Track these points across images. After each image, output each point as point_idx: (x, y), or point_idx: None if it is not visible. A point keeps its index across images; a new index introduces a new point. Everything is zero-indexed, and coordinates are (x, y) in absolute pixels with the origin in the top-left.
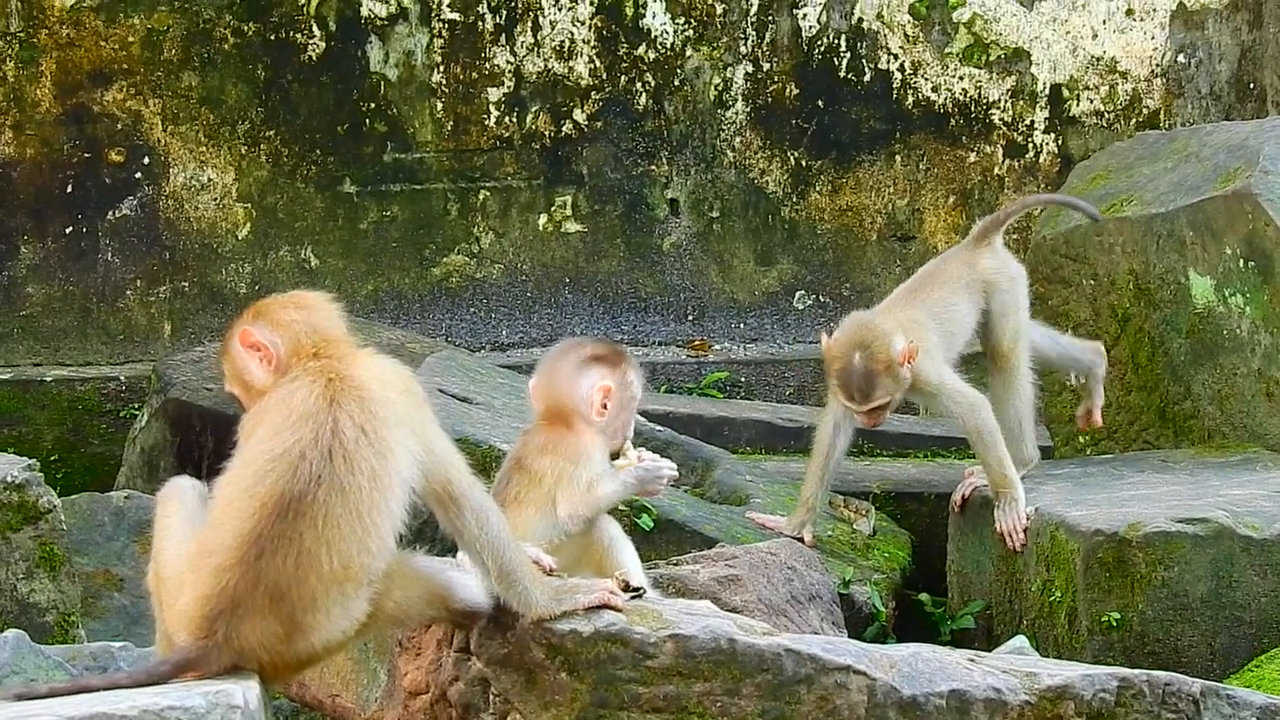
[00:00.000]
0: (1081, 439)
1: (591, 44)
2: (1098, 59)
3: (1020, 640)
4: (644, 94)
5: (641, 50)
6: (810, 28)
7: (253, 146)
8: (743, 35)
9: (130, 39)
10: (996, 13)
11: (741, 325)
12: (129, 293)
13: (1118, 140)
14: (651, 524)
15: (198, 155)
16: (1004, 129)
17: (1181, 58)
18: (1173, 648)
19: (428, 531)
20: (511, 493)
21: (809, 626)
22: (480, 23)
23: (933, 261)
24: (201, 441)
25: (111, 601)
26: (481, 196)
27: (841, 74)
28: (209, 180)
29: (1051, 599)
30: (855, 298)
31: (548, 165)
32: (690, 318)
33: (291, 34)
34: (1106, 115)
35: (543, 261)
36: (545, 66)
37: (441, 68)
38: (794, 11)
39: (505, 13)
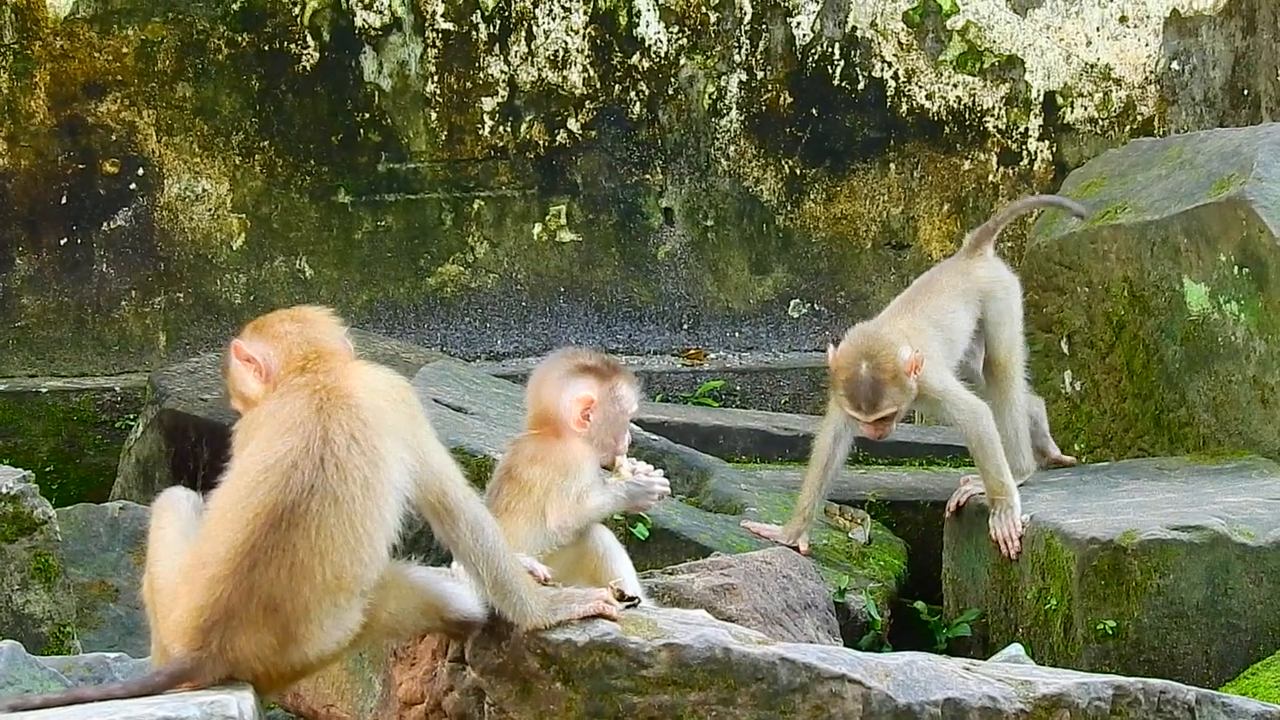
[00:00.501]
0: (1077, 447)
1: (585, 53)
2: (1092, 66)
3: (1016, 648)
4: (638, 103)
5: (635, 59)
6: (804, 36)
7: (247, 157)
8: (736, 44)
9: (124, 50)
10: (990, 20)
11: (736, 334)
12: (124, 303)
13: (1112, 147)
14: (647, 533)
15: (192, 166)
16: (998, 136)
17: (1175, 64)
18: (1168, 655)
19: (422, 541)
20: (502, 503)
21: (804, 635)
22: (474, 32)
23: (929, 272)
24: (197, 452)
25: (107, 612)
26: (476, 206)
27: (835, 82)
28: (203, 191)
29: (1047, 607)
30: (850, 306)
31: (542, 174)
32: (685, 326)
33: (285, 44)
34: (1101, 122)
35: (537, 271)
36: (539, 76)
37: (435, 77)
38: (787, 20)
39: (499, 22)
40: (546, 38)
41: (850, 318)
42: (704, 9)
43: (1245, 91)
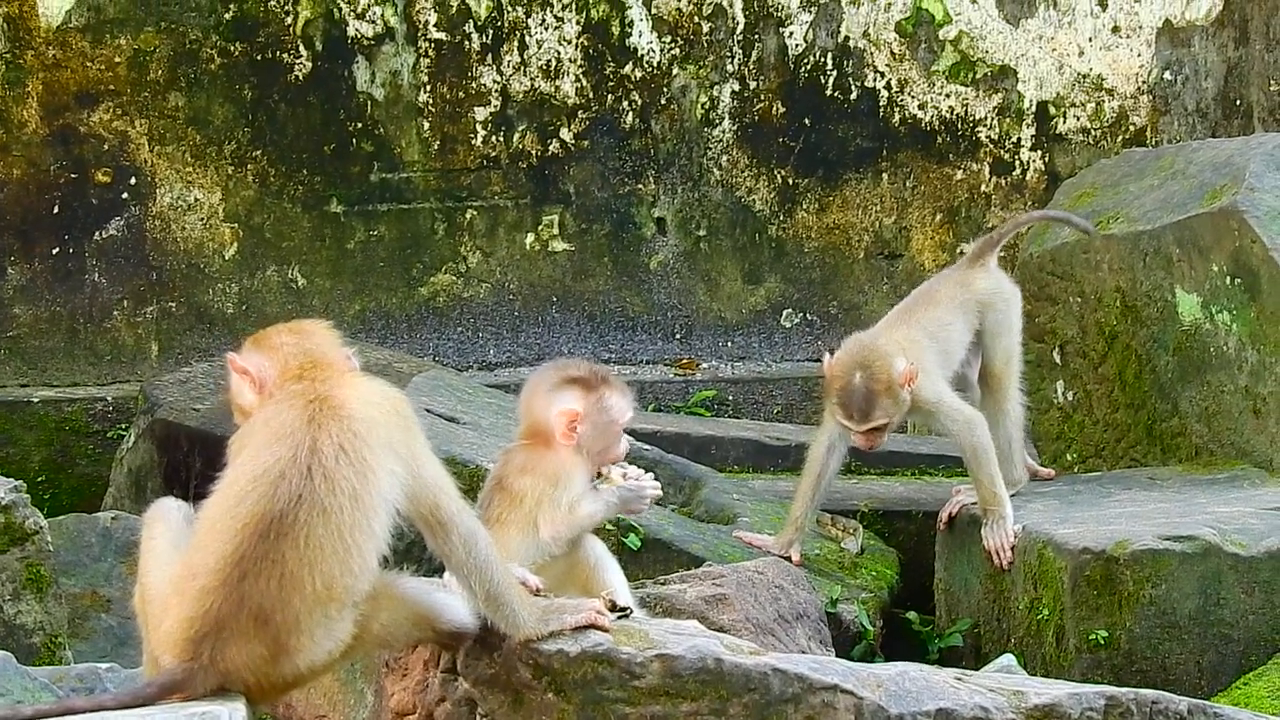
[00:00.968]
0: (1069, 457)
1: (578, 63)
2: (1084, 76)
3: (1008, 659)
4: (631, 113)
5: (628, 69)
6: (796, 46)
7: (239, 166)
8: (729, 54)
9: (117, 60)
10: (983, 30)
11: (729, 344)
12: (116, 313)
13: (1104, 157)
14: (639, 543)
15: (184, 175)
16: (991, 146)
17: (1168, 75)
18: (1160, 666)
19: (414, 552)
20: (494, 513)
21: (796, 645)
22: (467, 42)
23: (928, 282)
24: (189, 462)
25: (98, 623)
26: (468, 216)
27: (828, 92)
28: (196, 200)
29: (1039, 617)
30: (843, 316)
31: (535, 184)
32: (678, 336)
33: (278, 54)
34: (1093, 132)
35: (530, 281)
36: (532, 86)
37: (428, 87)
38: (780, 30)
39: (492, 32)
40: (539, 47)
41: (843, 328)
42: (697, 19)
43: (1238, 102)
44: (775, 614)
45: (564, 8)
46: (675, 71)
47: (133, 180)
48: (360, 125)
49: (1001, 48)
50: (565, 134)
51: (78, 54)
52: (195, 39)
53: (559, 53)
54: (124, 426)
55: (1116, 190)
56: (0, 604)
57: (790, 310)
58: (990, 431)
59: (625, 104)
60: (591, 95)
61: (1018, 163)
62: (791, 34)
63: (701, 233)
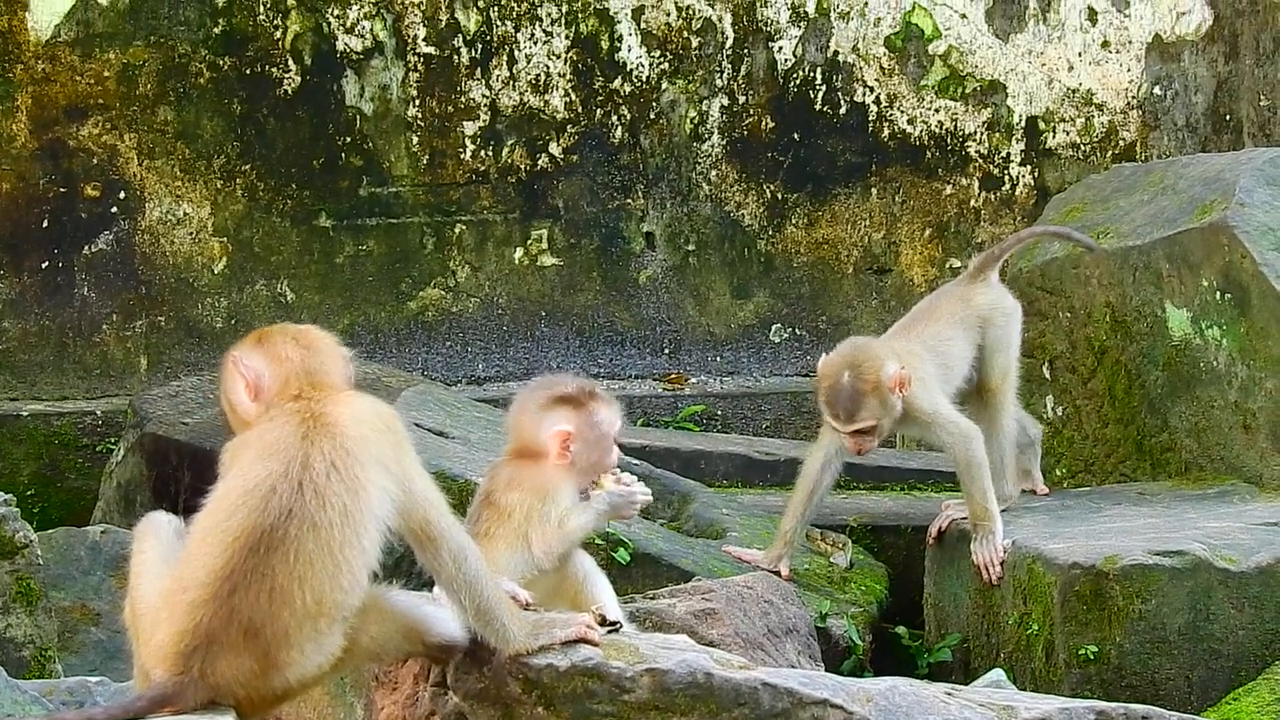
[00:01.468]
0: (1058, 472)
1: (567, 77)
2: (1074, 91)
3: (997, 673)
4: (620, 127)
5: (617, 83)
6: (786, 61)
7: (228, 181)
8: (718, 68)
9: (106, 74)
10: (972, 45)
11: (718, 358)
12: (105, 327)
13: (1094, 172)
14: (628, 558)
15: (173, 190)
16: (980, 161)
17: (1158, 90)
18: (1150, 680)
19: (404, 566)
20: (482, 528)
21: (786, 660)
22: (456, 56)
23: (929, 297)
24: (178, 476)
25: (88, 636)
26: (457, 230)
27: (817, 107)
28: (185, 214)
29: (1029, 632)
30: (832, 331)
31: (524, 199)
32: (667, 351)
33: (267, 68)
34: (1083, 147)
35: (519, 295)
36: (521, 100)
37: (417, 101)
38: (770, 45)
39: (481, 46)
40: (528, 62)
41: (832, 343)
42: (686, 33)
43: (1228, 117)
44: (765, 629)
45: (553, 22)
46: (664, 86)
47: (122, 194)
48: (349, 139)
49: (991, 62)
50: (554, 148)
51: (67, 68)
52: (184, 53)
53: (548, 67)
54: (113, 440)
55: (1106, 205)
56: None
57: (779, 325)
58: (985, 446)
59: (614, 118)
60: (580, 110)
61: (1007, 178)
62: (781, 49)
63: (690, 247)
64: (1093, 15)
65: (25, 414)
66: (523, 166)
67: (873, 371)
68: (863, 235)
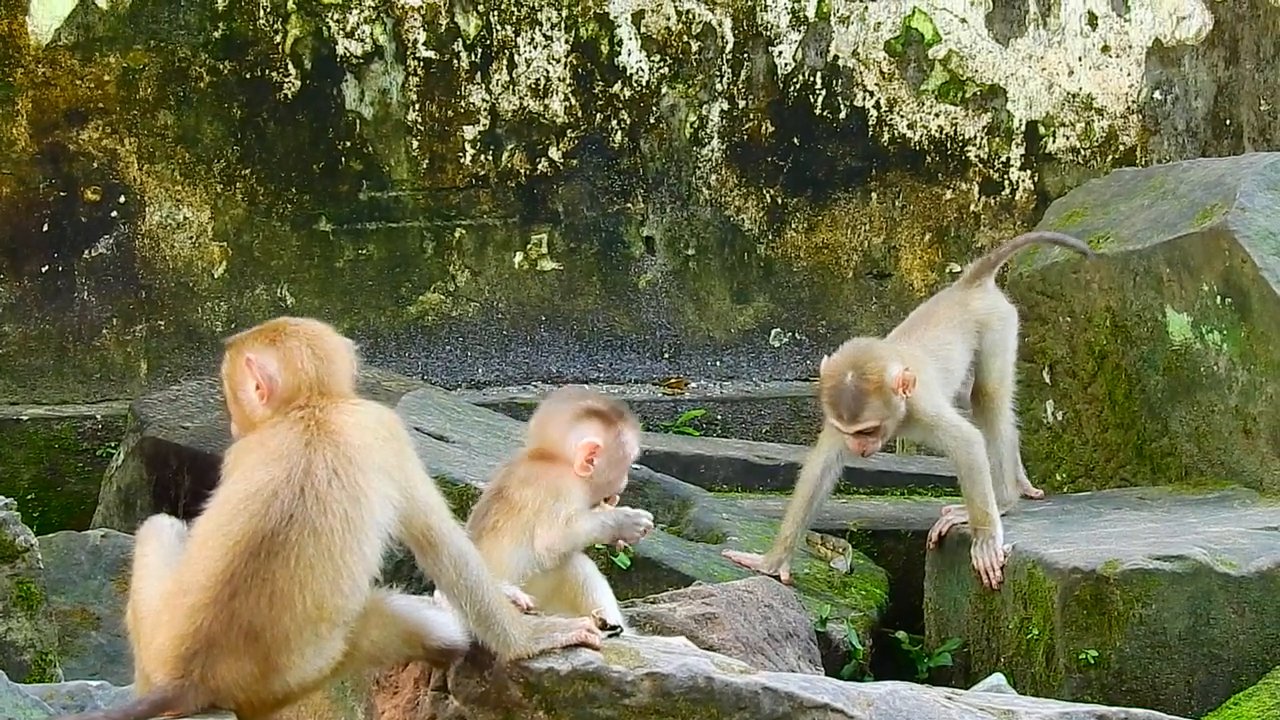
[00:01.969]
0: (1058, 476)
1: (567, 82)
2: (1074, 95)
3: (998, 678)
4: (619, 132)
5: (617, 88)
6: (786, 65)
7: (228, 185)
8: (718, 73)
9: (106, 78)
10: (972, 50)
11: (718, 363)
12: (105, 331)
13: (1094, 177)
14: (628, 562)
15: (173, 194)
16: (980, 166)
17: (1158, 94)
18: (1151, 685)
19: (404, 570)
20: (490, 522)
21: (786, 664)
22: (455, 61)
23: (926, 302)
24: (178, 480)
25: (88, 640)
26: (457, 234)
27: (817, 111)
28: (185, 219)
29: (1029, 636)
30: (831, 335)
31: (523, 203)
32: (666, 355)
33: (267, 72)
34: (1083, 152)
35: (519, 299)
36: (521, 104)
37: (417, 106)
38: (769, 49)
39: (480, 51)
40: (528, 66)
41: (831, 347)
42: (686, 38)
43: (1228, 121)
44: (765, 633)
45: (553, 26)
46: (664, 90)
47: (122, 198)
48: (349, 144)
49: (991, 67)
50: (554, 153)
51: (67, 72)
52: (184, 57)
53: (548, 71)
54: (113, 444)
55: (1106, 210)
56: None
57: (779, 330)
58: None
59: (614, 123)
60: (580, 114)
61: (1007, 182)
62: (781, 53)
63: (690, 252)
64: (1093, 20)
65: (25, 418)
66: (522, 171)
67: (876, 372)
68: (862, 240)
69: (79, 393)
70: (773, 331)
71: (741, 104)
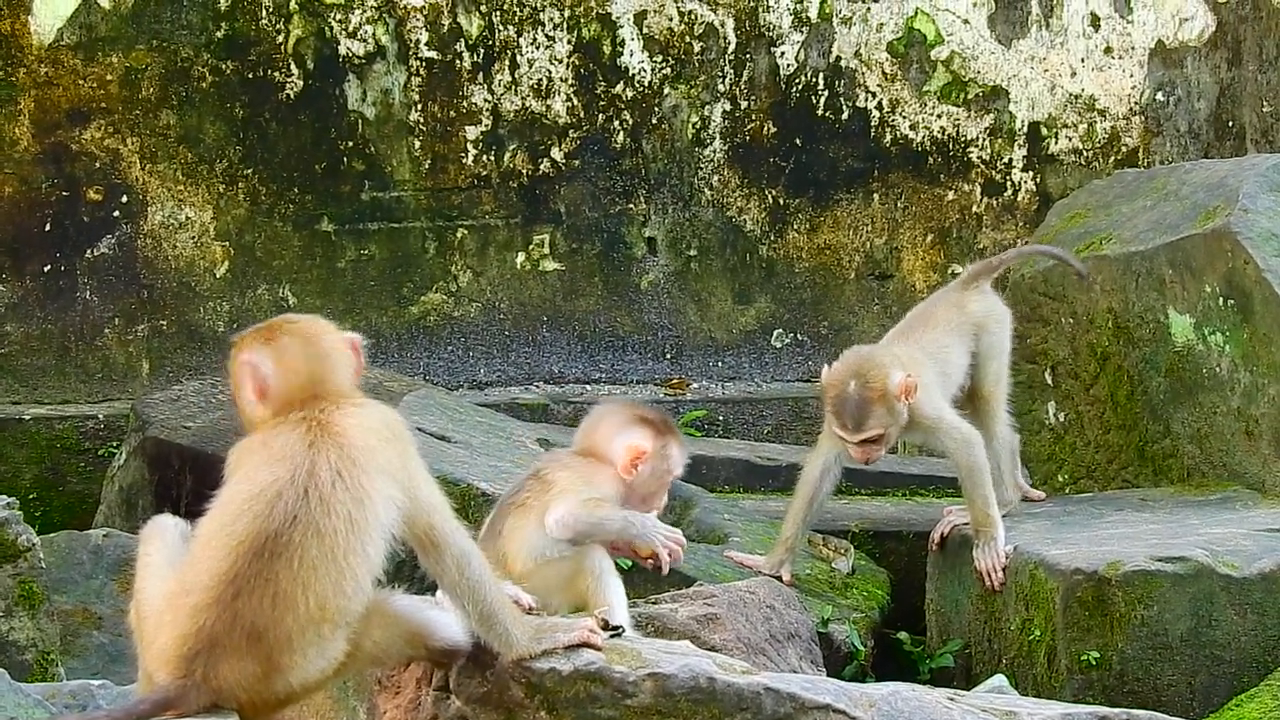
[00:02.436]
0: (1060, 478)
1: (569, 82)
2: (1076, 97)
3: (999, 679)
4: (622, 132)
5: (619, 89)
6: (788, 66)
7: (231, 185)
8: (720, 73)
9: (108, 78)
10: (975, 51)
11: (719, 364)
12: (107, 331)
13: (1096, 178)
14: (629, 562)
15: (176, 194)
16: (982, 167)
17: (1160, 96)
18: (1152, 687)
19: (406, 570)
20: (521, 498)
21: (787, 665)
22: (458, 61)
23: (922, 304)
24: (180, 480)
25: (90, 640)
26: (459, 235)
27: (819, 112)
28: (187, 219)
29: (1031, 638)
30: (833, 336)
31: (525, 203)
32: (668, 356)
33: (269, 72)
34: (1085, 153)
35: (520, 300)
36: (523, 105)
37: (419, 106)
38: (772, 50)
39: (483, 51)
40: (530, 67)
41: (833, 348)
42: (688, 39)
43: (1230, 123)
44: (767, 634)
45: (555, 27)
46: (666, 91)
47: (124, 198)
48: (351, 144)
49: (993, 68)
50: (556, 153)
51: (69, 72)
52: (187, 57)
53: (550, 72)
54: (115, 444)
55: (1109, 211)
56: None
57: (781, 330)
58: None
59: (616, 123)
60: (582, 114)
61: (1009, 184)
62: (783, 54)
63: (692, 252)
64: (1095, 21)
65: (27, 418)
66: (525, 171)
67: (879, 380)
68: (864, 241)
69: (81, 392)
70: (774, 332)
71: (744, 105)
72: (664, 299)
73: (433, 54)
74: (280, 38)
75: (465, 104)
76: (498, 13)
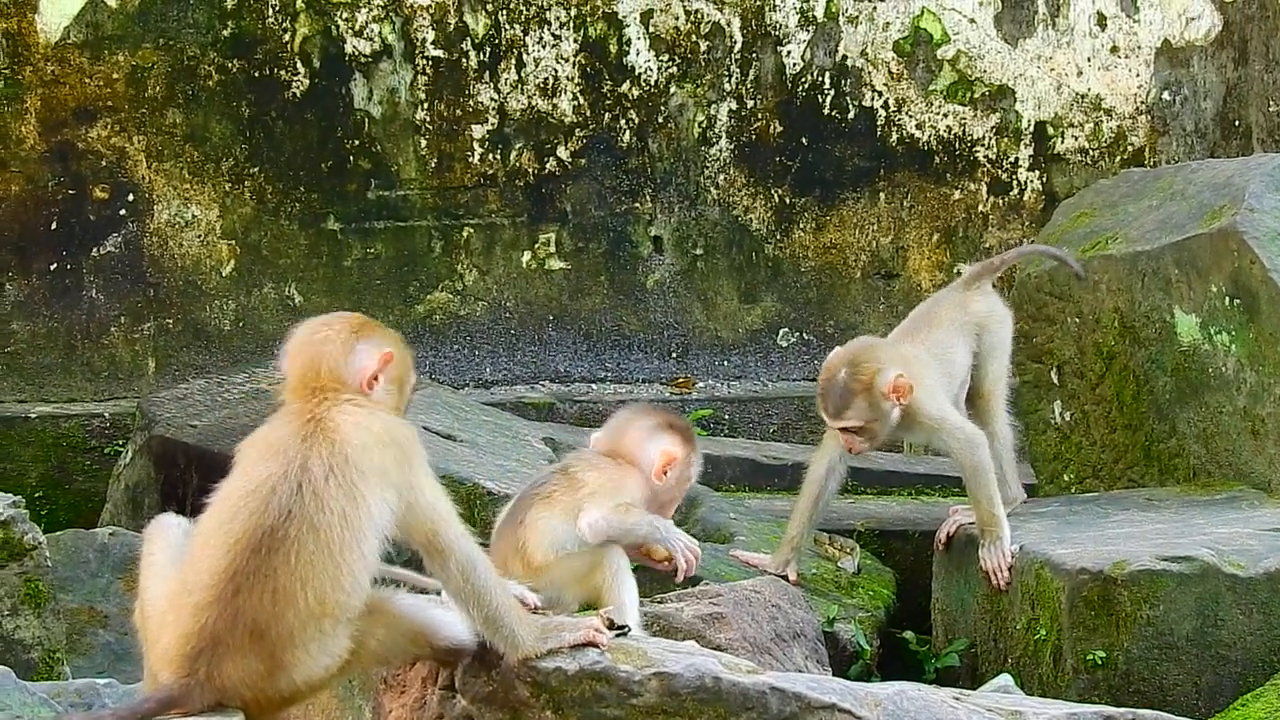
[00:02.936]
0: (1066, 477)
1: (575, 81)
2: (1082, 96)
3: (1005, 679)
4: (628, 131)
5: (625, 87)
6: (794, 65)
7: (237, 183)
8: (726, 73)
9: (115, 76)
10: (981, 50)
11: (725, 363)
12: (113, 329)
13: (1102, 178)
14: (635, 564)
15: (182, 192)
16: (988, 166)
17: (1166, 95)
18: (1158, 686)
19: (411, 567)
20: (546, 490)
21: (793, 664)
22: (464, 60)
23: (925, 304)
24: (186, 478)
25: (96, 638)
26: (465, 234)
27: (825, 111)
28: (193, 217)
29: (1036, 637)
30: (839, 335)
31: (531, 202)
32: (674, 355)
33: (275, 71)
34: (1091, 153)
35: (526, 299)
36: (529, 104)
37: (425, 105)
38: (778, 49)
39: (489, 50)
40: (536, 65)
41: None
42: (694, 38)
43: (1236, 122)
44: (772, 633)
45: (561, 26)
46: (673, 90)
47: (130, 197)
48: (357, 143)
49: (1000, 67)
50: (562, 152)
51: (76, 70)
52: (193, 56)
53: (556, 71)
54: (121, 443)
55: (1115, 211)
56: None
57: (787, 330)
58: None
59: (622, 122)
60: (589, 113)
61: (1015, 183)
62: (789, 53)
63: (698, 251)
64: (1102, 20)
65: (34, 416)
66: (531, 170)
67: (868, 373)
68: (870, 240)
69: (87, 391)
70: (780, 331)
71: (750, 104)
72: (670, 298)
73: (439, 53)
74: (286, 36)
75: (471, 103)
76: (504, 11)
